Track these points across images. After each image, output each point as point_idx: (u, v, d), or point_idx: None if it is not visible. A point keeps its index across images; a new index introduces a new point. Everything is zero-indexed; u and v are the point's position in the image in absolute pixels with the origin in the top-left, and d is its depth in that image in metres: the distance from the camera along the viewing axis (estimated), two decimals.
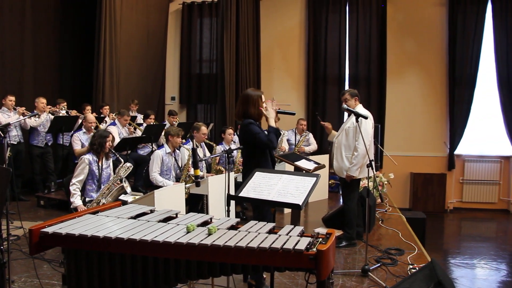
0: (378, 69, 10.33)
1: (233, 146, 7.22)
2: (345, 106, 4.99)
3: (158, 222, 2.94)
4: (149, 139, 7.79)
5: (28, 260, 4.66)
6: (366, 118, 4.83)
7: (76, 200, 5.01)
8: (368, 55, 10.34)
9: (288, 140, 8.77)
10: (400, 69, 10.38)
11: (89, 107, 8.13)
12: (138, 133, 8.10)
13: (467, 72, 10.00)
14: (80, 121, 7.70)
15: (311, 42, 10.53)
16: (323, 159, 7.37)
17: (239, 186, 3.52)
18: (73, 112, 7.94)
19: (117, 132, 7.67)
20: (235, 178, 6.42)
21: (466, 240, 8.37)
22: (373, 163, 4.56)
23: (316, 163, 5.75)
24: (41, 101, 7.41)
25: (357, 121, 4.63)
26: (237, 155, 7.12)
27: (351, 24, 10.39)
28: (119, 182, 5.05)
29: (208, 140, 7.26)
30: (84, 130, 7.03)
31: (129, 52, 9.41)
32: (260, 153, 4.05)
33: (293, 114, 4.36)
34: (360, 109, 5.26)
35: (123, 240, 2.61)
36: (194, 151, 3.95)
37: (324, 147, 9.82)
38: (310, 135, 9.02)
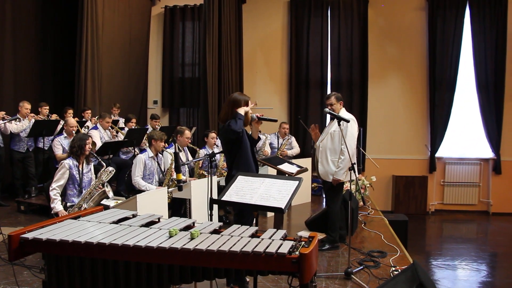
0: (360, 72, 10.42)
1: (216, 150, 7.21)
2: (327, 109, 4.99)
3: (141, 226, 2.92)
4: (131, 143, 7.73)
5: (7, 266, 4.57)
6: (348, 121, 4.86)
7: (57, 206, 4.95)
8: (350, 59, 10.42)
9: (270, 144, 8.78)
10: (382, 73, 10.49)
11: (70, 111, 8.03)
12: (121, 137, 8.03)
13: (447, 76, 10.14)
14: (61, 125, 7.61)
15: (293, 46, 10.59)
16: (306, 162, 7.39)
17: (222, 190, 3.52)
18: (53, 116, 7.84)
19: (99, 136, 7.59)
20: (218, 182, 6.40)
21: (447, 241, 8.45)
22: (355, 166, 4.59)
23: (298, 166, 5.77)
24: (26, 106, 7.29)
25: (339, 124, 4.66)
26: (220, 159, 7.11)
27: (333, 28, 10.47)
28: (101, 187, 5.01)
29: (191, 144, 7.24)
30: (65, 134, 6.95)
31: (111, 55, 9.34)
32: (240, 154, 4.07)
33: (275, 120, 4.39)
34: (344, 113, 5.28)
35: (105, 245, 2.58)
36: (176, 155, 3.94)
37: (307, 150, 9.88)
38: (293, 139, 9.04)
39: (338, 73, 10.48)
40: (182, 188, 3.84)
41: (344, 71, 10.46)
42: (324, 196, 7.97)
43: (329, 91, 10.38)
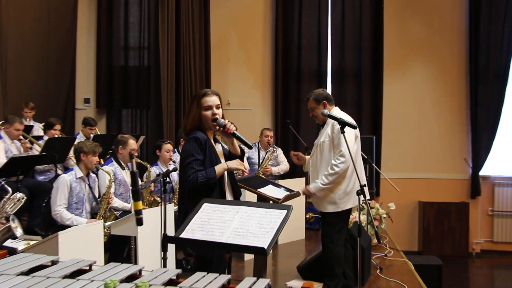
0: (372, 59, 10.54)
1: (172, 167, 7.18)
2: (325, 111, 5.06)
3: (63, 278, 2.89)
4: (52, 159, 7.66)
5: None
6: (355, 127, 4.91)
7: None
8: (358, 41, 10.54)
9: (249, 158, 8.81)
10: (402, 61, 10.61)
11: None
12: (36, 149, 7.95)
13: (495, 63, 10.26)
14: None
15: (280, 23, 10.63)
16: (298, 183, 7.39)
17: (180, 223, 3.50)
18: None
19: (4, 148, 7.52)
20: (175, 213, 6.36)
21: None
22: (365, 189, 4.60)
23: (287, 189, 5.76)
24: None
25: (342, 131, 4.71)
26: (178, 180, 7.09)
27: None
28: (5, 221, 4.94)
29: (139, 159, 7.20)
30: None
31: (21, 35, 9.24)
32: None
33: (251, 147, 4.43)
34: (337, 114, 5.31)
35: None
36: (134, 174, 3.87)
37: (299, 167, 9.86)
38: (279, 151, 9.11)
39: (342, 61, 10.59)
40: (141, 221, 3.79)
41: (350, 58, 10.56)
42: (321, 231, 7.98)
43: (329, 86, 10.50)
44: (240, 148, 4.38)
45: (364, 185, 4.66)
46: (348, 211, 5.42)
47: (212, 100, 4.14)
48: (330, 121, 5.25)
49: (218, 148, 4.31)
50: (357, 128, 5.11)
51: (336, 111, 5.40)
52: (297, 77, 10.69)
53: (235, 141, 4.28)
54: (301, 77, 10.68)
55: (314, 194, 5.32)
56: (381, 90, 10.48)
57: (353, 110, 10.06)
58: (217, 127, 4.14)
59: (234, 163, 4.16)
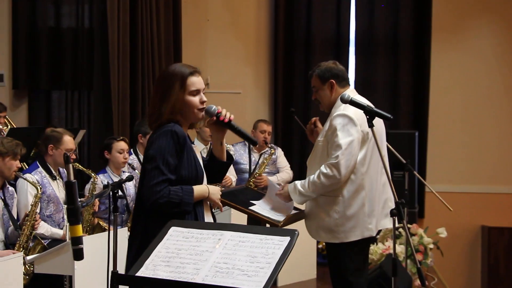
0: (414, 23, 10.56)
1: (127, 176, 7.12)
2: (346, 94, 4.83)
3: None
4: None
5: None
6: (389, 118, 4.70)
7: None
8: None
9: (236, 163, 8.86)
10: (459, 23, 10.63)
11: None
12: None
13: None
14: None
15: None
16: None
17: (136, 256, 3.48)
18: None
19: None
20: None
21: None
22: (403, 208, 4.45)
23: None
24: None
25: (370, 125, 4.47)
26: (133, 194, 7.08)
27: None
28: None
29: (79, 165, 7.18)
30: None
31: None
32: None
33: (255, 143, 4.48)
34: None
35: None
36: (70, 186, 3.83)
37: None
38: (279, 153, 9.22)
39: (370, 25, 10.65)
40: (81, 253, 3.78)
41: (382, 20, 10.61)
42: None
43: (351, 60, 10.58)
44: (227, 153, 4.38)
45: (402, 202, 4.35)
46: (364, 242, 5.31)
47: (200, 82, 4.17)
48: (335, 109, 5.22)
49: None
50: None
51: (350, 93, 5.07)
52: (305, 47, 10.69)
53: (224, 140, 4.30)
54: (311, 47, 10.67)
55: (286, 196, 5.36)
56: (428, 66, 10.43)
57: (385, 94, 10.31)
58: (212, 118, 4.17)
59: (216, 193, 4.18)
